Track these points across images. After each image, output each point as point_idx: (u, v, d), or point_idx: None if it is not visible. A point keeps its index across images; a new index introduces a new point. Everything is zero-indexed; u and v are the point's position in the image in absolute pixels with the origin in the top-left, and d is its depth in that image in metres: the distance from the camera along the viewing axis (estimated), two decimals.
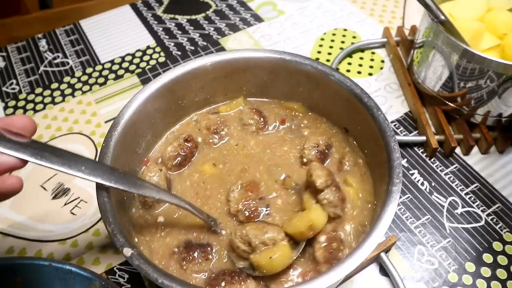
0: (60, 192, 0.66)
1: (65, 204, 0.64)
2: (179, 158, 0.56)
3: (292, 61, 0.56)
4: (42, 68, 0.84)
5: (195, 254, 0.47)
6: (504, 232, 0.60)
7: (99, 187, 0.44)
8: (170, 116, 0.59)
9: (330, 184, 0.47)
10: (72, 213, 0.63)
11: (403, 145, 0.70)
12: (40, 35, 0.91)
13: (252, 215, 0.50)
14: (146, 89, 0.53)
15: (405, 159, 0.69)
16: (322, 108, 0.59)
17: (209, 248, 0.48)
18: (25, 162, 0.39)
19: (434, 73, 0.70)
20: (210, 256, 0.48)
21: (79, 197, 0.65)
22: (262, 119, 0.60)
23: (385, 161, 0.47)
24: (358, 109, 0.53)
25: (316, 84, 0.57)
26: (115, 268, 0.58)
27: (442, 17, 0.64)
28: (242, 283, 0.45)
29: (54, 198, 0.65)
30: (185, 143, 0.57)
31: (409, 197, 0.64)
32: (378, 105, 0.51)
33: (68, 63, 0.85)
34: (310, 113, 0.61)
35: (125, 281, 0.57)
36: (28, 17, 1.16)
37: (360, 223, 0.49)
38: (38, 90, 0.80)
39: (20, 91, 0.80)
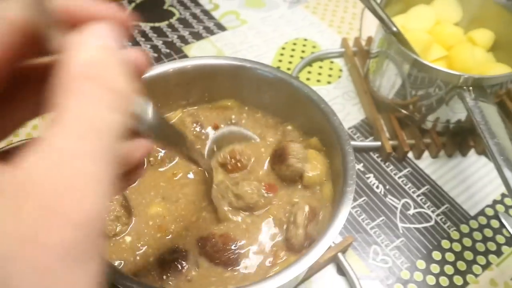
0: None
1: None
2: None
3: (253, 68, 0.58)
4: None
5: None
6: (452, 231, 0.64)
7: None
8: None
9: None
10: None
11: (359, 150, 0.74)
12: None
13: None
14: None
15: (362, 164, 0.72)
16: (282, 114, 0.61)
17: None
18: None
19: (387, 82, 0.73)
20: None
21: None
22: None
23: (340, 163, 0.50)
24: (316, 115, 0.55)
25: (277, 91, 0.59)
26: None
27: (394, 29, 0.68)
28: None
29: None
30: None
31: (365, 199, 0.67)
32: (333, 110, 0.54)
33: None
34: (271, 119, 0.63)
35: None
36: None
37: None
38: None
39: None
